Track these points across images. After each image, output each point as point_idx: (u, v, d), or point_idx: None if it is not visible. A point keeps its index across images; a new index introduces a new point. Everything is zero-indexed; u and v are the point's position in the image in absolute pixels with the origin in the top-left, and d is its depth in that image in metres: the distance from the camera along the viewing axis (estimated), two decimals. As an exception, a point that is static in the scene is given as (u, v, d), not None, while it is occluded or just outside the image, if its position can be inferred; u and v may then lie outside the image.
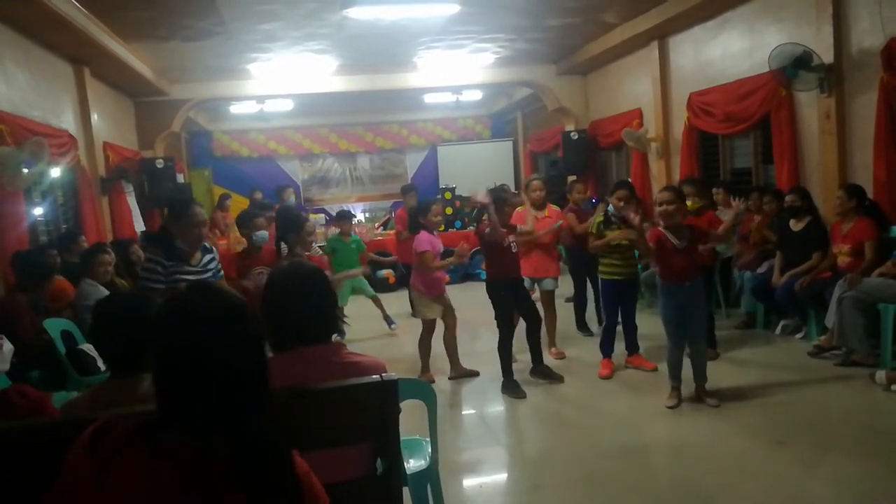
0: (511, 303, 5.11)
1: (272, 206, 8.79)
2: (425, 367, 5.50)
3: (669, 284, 4.43)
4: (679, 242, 4.35)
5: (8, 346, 3.83)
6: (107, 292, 5.09)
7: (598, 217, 5.36)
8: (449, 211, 10.50)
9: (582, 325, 6.68)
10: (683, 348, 4.54)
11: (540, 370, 5.20)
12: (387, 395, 1.94)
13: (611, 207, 5.34)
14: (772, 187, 6.56)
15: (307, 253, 4.88)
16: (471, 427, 4.67)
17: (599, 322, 6.51)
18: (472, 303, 6.73)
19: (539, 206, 5.96)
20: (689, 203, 5.23)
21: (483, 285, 5.29)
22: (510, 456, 4.15)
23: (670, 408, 4.46)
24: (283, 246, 4.73)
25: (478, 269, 9.01)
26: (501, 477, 3.92)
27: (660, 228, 4.47)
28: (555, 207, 6.20)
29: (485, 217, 5.13)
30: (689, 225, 4.50)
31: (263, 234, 5.01)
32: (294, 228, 4.74)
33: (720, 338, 5.73)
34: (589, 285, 6.54)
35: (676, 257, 4.37)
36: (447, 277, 5.50)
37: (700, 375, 4.54)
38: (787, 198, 5.93)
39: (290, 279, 2.18)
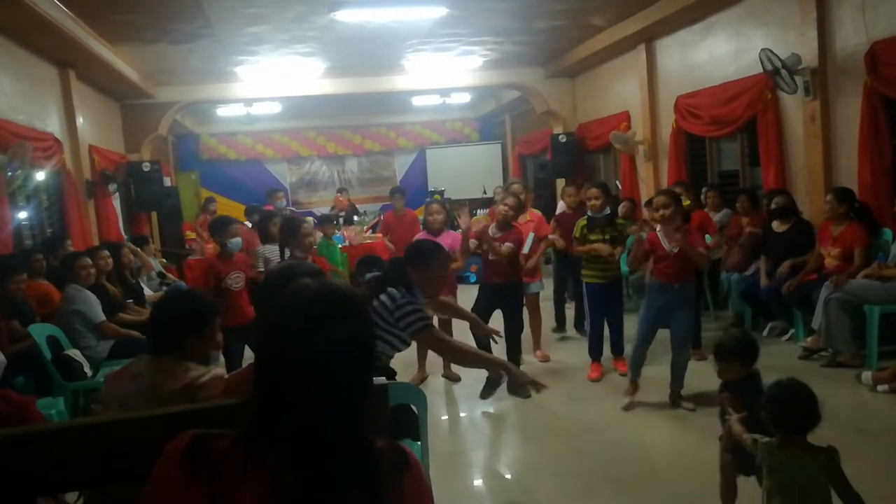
0: (491, 306, 5.10)
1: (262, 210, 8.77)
2: (420, 366, 5.52)
3: (657, 282, 4.45)
4: (670, 247, 4.37)
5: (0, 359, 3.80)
6: (93, 296, 5.06)
7: (582, 221, 5.36)
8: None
9: (561, 323, 6.70)
10: (647, 348, 4.56)
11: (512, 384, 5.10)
12: (376, 401, 1.93)
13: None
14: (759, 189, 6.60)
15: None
16: (461, 431, 4.67)
17: (577, 325, 6.57)
18: (462, 305, 6.74)
19: (519, 210, 5.90)
20: None
21: (471, 288, 5.30)
22: (501, 460, 4.15)
23: (624, 408, 4.50)
24: (287, 252, 4.74)
25: (467, 272, 9.01)
26: (492, 482, 3.91)
27: (657, 231, 4.48)
28: (536, 211, 6.20)
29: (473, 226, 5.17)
30: (684, 229, 4.49)
31: (237, 241, 5.03)
32: (291, 233, 4.75)
33: (708, 340, 5.73)
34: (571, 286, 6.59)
35: (664, 262, 4.39)
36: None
37: (677, 381, 4.54)
38: (776, 199, 5.96)
39: (286, 279, 2.16)
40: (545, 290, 6.19)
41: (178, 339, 2.29)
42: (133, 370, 2.30)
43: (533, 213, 6.07)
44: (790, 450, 2.37)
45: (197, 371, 2.25)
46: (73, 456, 1.24)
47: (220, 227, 5.17)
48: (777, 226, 5.87)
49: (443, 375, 5.55)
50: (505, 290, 5.13)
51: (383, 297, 2.99)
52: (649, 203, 5.63)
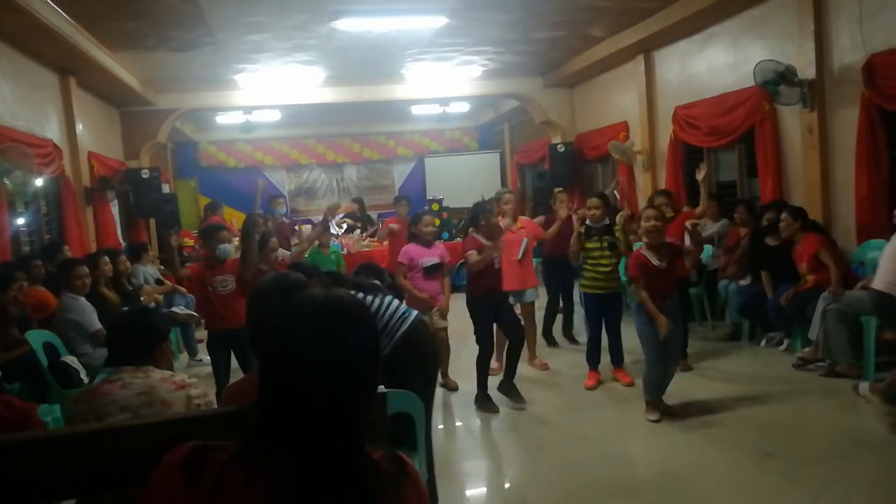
0: (491, 318, 5.06)
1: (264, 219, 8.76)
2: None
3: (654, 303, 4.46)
4: (660, 263, 4.38)
5: None
6: (88, 304, 5.04)
7: (580, 228, 5.40)
8: (437, 222, 10.51)
9: (549, 335, 6.66)
10: (662, 367, 4.56)
11: (506, 388, 5.06)
12: (374, 409, 1.93)
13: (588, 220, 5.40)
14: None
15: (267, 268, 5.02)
16: (458, 440, 4.65)
17: (565, 333, 6.65)
18: (457, 314, 6.72)
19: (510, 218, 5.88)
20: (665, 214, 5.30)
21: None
22: (498, 469, 4.14)
23: (654, 421, 4.47)
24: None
25: (464, 281, 9.02)
26: (490, 491, 3.90)
27: (641, 251, 4.48)
28: (525, 218, 6.24)
29: (470, 232, 5.16)
30: (667, 243, 4.53)
31: (227, 247, 5.04)
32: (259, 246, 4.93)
33: (706, 350, 5.76)
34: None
35: (658, 278, 4.39)
36: (440, 293, 5.50)
37: (662, 388, 4.60)
38: (768, 216, 5.95)
39: (273, 290, 2.13)
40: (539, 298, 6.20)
41: (154, 348, 2.43)
42: (118, 381, 2.26)
43: (523, 220, 6.09)
44: None
45: (182, 377, 2.34)
46: (75, 462, 1.24)
47: (209, 234, 5.19)
48: (771, 240, 5.85)
49: (440, 384, 5.53)
50: (496, 300, 5.09)
51: None
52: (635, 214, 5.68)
